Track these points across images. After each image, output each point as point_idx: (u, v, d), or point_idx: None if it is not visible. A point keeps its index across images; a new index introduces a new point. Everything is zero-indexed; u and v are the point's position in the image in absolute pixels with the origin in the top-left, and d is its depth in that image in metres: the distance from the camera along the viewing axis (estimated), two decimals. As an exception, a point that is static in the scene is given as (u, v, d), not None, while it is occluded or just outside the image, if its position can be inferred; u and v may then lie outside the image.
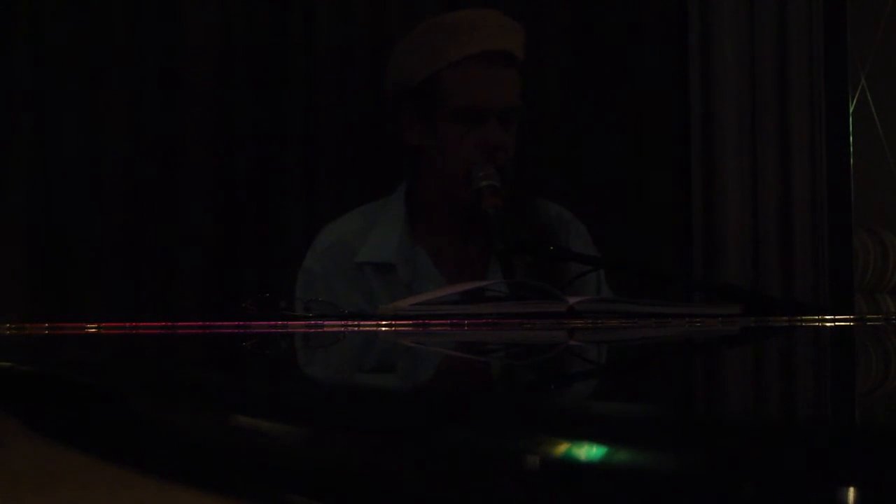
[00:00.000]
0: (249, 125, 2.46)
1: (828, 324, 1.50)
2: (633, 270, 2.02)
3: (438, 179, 1.87)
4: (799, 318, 1.52)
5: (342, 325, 1.38)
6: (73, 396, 0.62)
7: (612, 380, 0.69)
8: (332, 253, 1.90)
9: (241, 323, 1.28)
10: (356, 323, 1.38)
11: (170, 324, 1.28)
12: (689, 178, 2.64)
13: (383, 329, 1.30)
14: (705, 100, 2.64)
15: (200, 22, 2.44)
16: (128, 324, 1.26)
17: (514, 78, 1.86)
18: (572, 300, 1.44)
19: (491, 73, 1.83)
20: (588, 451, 0.35)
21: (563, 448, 0.36)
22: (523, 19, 1.95)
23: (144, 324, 1.25)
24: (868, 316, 2.65)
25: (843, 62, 2.75)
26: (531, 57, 1.97)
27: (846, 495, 0.30)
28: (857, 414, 0.48)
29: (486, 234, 1.76)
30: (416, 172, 1.93)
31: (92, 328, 1.22)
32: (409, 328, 1.32)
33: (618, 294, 1.94)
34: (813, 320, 1.55)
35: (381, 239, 1.89)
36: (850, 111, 2.85)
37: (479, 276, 1.84)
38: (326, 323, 1.41)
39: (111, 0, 2.41)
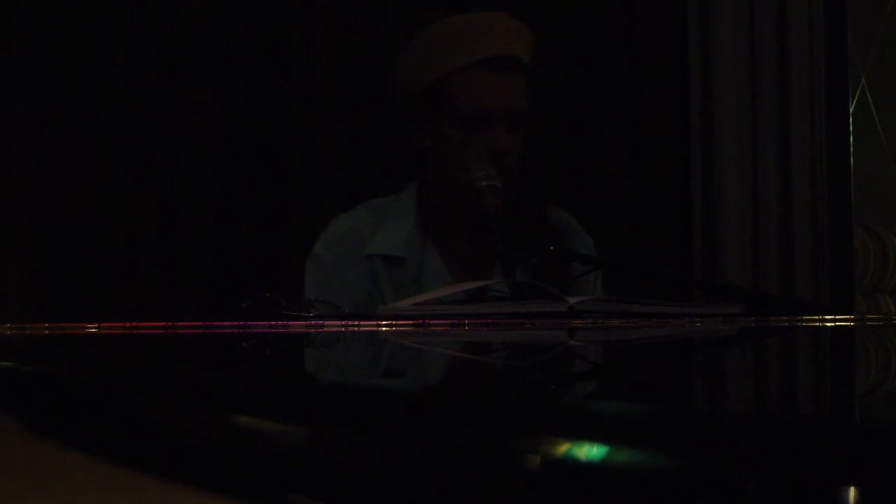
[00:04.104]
0: (250, 124, 2.46)
1: (828, 324, 1.50)
2: (634, 271, 2.02)
3: (445, 181, 1.88)
4: (799, 318, 1.52)
5: (342, 326, 1.38)
6: (73, 396, 0.62)
7: (612, 380, 0.69)
8: (345, 241, 1.90)
9: (241, 323, 1.28)
10: (356, 323, 1.37)
11: (170, 324, 1.28)
12: (689, 179, 2.64)
13: (383, 329, 1.30)
14: (705, 100, 2.64)
15: (201, 16, 2.43)
16: (128, 324, 1.26)
17: (520, 83, 1.86)
18: (572, 300, 1.44)
19: (498, 78, 1.83)
20: (588, 451, 0.35)
21: (563, 448, 0.36)
22: (524, 21, 1.95)
23: (144, 324, 1.25)
24: (868, 316, 2.65)
25: (843, 62, 2.75)
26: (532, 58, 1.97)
27: (846, 495, 0.30)
28: (857, 414, 0.48)
29: (488, 235, 1.76)
30: (426, 173, 1.93)
31: (92, 328, 1.21)
32: (410, 328, 1.32)
33: (613, 295, 1.94)
34: (813, 320, 1.55)
35: (391, 232, 1.89)
36: (850, 111, 2.85)
37: (486, 276, 1.84)
38: (326, 323, 1.41)
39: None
